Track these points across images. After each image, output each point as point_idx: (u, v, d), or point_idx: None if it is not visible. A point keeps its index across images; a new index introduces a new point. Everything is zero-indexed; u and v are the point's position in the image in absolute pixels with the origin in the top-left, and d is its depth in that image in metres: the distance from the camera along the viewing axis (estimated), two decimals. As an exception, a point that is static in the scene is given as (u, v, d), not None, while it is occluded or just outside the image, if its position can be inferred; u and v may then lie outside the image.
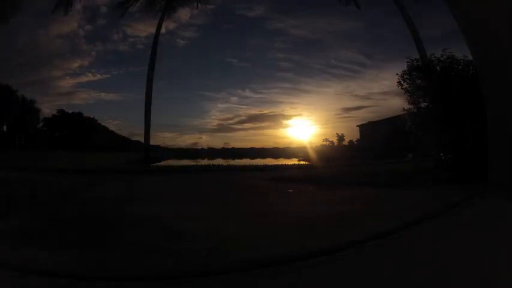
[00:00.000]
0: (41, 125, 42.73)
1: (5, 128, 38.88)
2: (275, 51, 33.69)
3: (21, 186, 5.55)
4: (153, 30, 18.20)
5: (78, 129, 39.84)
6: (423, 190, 5.09)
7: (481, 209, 3.78)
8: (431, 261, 2.10)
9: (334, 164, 14.16)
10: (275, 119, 37.45)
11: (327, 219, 3.37)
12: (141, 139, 18.46)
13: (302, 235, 2.84)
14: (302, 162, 23.81)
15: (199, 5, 18.71)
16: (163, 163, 25.04)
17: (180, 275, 2.04)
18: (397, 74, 7.09)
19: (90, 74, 30.35)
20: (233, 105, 34.66)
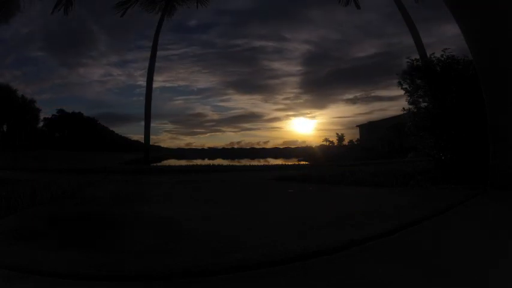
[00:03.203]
0: (41, 125, 42.63)
1: (5, 128, 38.84)
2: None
3: (20, 185, 5.54)
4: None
5: (78, 129, 39.77)
6: (423, 190, 5.08)
7: (480, 209, 3.78)
8: (428, 262, 2.11)
9: (333, 164, 14.15)
10: (274, 118, 37.54)
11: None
12: (141, 139, 18.57)
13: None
14: (302, 162, 23.82)
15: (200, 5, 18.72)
16: (164, 163, 25.02)
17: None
18: (397, 74, 7.11)
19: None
20: (225, 107, 34.90)
